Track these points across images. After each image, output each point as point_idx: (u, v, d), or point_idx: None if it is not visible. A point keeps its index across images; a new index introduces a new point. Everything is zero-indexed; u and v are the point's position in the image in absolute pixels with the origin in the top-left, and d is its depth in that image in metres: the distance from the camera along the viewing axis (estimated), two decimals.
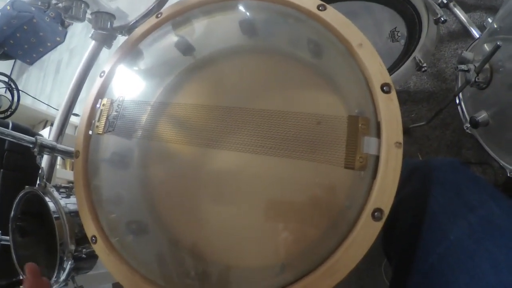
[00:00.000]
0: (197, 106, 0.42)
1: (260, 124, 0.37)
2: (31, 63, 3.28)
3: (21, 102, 1.53)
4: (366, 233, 0.29)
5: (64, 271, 0.56)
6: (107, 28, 0.57)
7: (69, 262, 0.55)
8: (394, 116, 0.31)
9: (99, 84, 0.49)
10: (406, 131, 1.03)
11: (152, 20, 0.49)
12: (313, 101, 0.37)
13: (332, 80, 0.37)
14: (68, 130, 0.82)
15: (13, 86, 1.48)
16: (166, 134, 0.43)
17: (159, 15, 0.49)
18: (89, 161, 0.46)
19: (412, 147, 1.03)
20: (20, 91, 1.50)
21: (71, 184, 0.68)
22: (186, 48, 0.47)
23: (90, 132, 0.48)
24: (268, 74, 0.41)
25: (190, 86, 0.46)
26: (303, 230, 0.34)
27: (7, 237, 0.68)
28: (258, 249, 0.36)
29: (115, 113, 0.46)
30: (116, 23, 0.60)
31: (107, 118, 0.46)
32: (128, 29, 0.60)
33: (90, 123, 0.48)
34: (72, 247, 0.55)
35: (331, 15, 0.37)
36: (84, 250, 0.57)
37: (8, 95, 1.48)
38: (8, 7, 2.66)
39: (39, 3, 0.50)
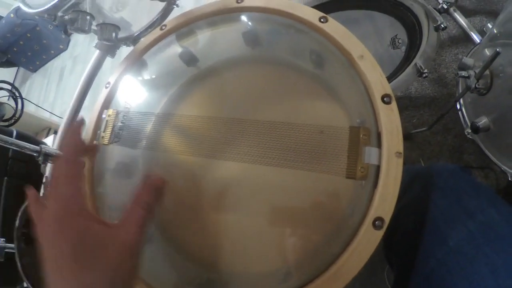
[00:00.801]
0: (201, 117, 0.43)
1: (263, 135, 0.38)
2: (34, 70, 3.29)
3: (24, 109, 1.54)
4: (367, 241, 0.29)
5: None
6: (112, 39, 0.58)
7: None
8: (395, 127, 0.32)
9: (104, 94, 0.50)
10: (408, 137, 1.04)
11: (157, 32, 0.50)
12: (315, 111, 0.38)
13: (334, 90, 0.38)
14: None
15: (17, 94, 1.49)
16: (170, 145, 0.43)
17: (163, 27, 0.49)
18: (95, 171, 0.47)
19: (414, 152, 1.04)
20: (23, 99, 1.51)
21: None
22: (190, 59, 0.48)
23: (96, 142, 0.48)
24: (271, 85, 0.42)
25: (194, 96, 0.46)
26: (305, 239, 0.34)
27: (12, 245, 0.68)
28: (261, 257, 0.36)
29: (121, 124, 0.47)
30: (121, 34, 0.61)
31: (112, 128, 0.47)
32: (132, 40, 0.61)
33: (95, 134, 0.49)
34: None
35: (333, 27, 0.38)
36: None
37: (12, 103, 1.49)
38: (12, 15, 2.68)
39: (46, 16, 0.51)
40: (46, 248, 0.28)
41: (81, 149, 0.36)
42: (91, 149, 0.41)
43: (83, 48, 2.90)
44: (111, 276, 0.27)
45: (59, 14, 0.51)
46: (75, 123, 0.36)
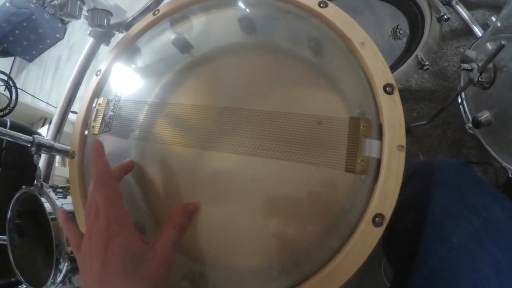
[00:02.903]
0: (195, 106, 0.41)
1: (259, 126, 0.36)
2: (30, 60, 3.28)
3: (20, 99, 1.52)
4: (366, 239, 0.28)
5: (60, 272, 0.56)
6: (103, 25, 0.56)
7: (66, 264, 0.55)
8: (397, 118, 0.30)
9: (95, 83, 0.49)
10: (407, 130, 1.03)
11: (149, 17, 0.48)
12: (313, 101, 0.37)
13: (333, 79, 0.36)
14: (67, 128, 0.82)
15: (11, 84, 1.47)
16: (163, 135, 0.42)
17: (156, 12, 0.48)
18: (85, 161, 0.46)
19: (413, 146, 1.03)
20: (18, 89, 1.49)
21: (67, 184, 0.68)
22: (184, 46, 0.46)
23: (86, 132, 0.47)
24: (268, 73, 0.40)
25: (188, 84, 0.45)
26: (302, 234, 0.33)
27: (4, 237, 0.67)
28: (256, 252, 0.36)
29: (111, 113, 0.45)
30: (113, 20, 0.59)
31: (103, 118, 0.46)
32: (125, 26, 0.60)
33: (86, 123, 0.47)
34: (69, 249, 0.55)
35: (333, 12, 0.37)
36: None
37: (7, 93, 1.47)
38: (7, 4, 2.66)
39: (34, 1, 0.49)
40: (90, 260, 0.32)
41: (117, 170, 0.41)
42: (127, 167, 0.42)
43: (79, 37, 2.88)
44: (148, 284, 0.31)
45: None
46: (95, 145, 0.38)
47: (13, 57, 3.40)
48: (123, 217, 0.34)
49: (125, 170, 0.42)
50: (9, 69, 3.37)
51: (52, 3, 0.50)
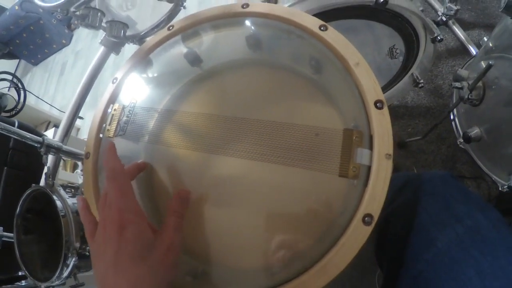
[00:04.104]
0: (202, 114, 0.44)
1: (262, 134, 0.39)
2: (35, 63, 3.30)
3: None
4: (357, 236, 0.31)
5: (67, 267, 0.57)
6: (120, 36, 0.60)
7: (73, 259, 0.57)
8: (386, 130, 0.34)
9: (111, 89, 0.52)
10: (403, 145, 1.06)
11: (164, 32, 0.52)
12: (312, 113, 0.40)
13: (330, 95, 0.40)
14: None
15: (20, 86, 1.49)
16: (172, 140, 0.45)
17: (171, 28, 0.51)
18: (99, 162, 0.49)
19: (408, 160, 1.06)
20: (26, 91, 1.52)
21: (76, 184, 0.70)
22: (194, 59, 0.49)
23: (101, 135, 0.50)
24: (271, 87, 0.44)
25: (197, 95, 0.48)
26: (298, 233, 0.36)
27: (9, 234, 0.69)
28: (255, 251, 0.38)
29: (126, 118, 0.48)
30: (128, 32, 0.63)
31: (118, 122, 0.49)
32: (139, 38, 0.63)
33: (101, 127, 0.50)
34: (77, 245, 0.57)
35: (332, 35, 0.40)
36: (88, 248, 0.59)
37: (14, 94, 1.49)
38: (17, 7, 2.68)
39: (59, 10, 0.52)
40: (104, 247, 0.34)
41: (131, 168, 0.44)
42: (141, 166, 0.45)
43: (85, 43, 2.91)
44: (157, 269, 0.33)
45: (72, 9, 0.53)
46: (107, 145, 0.41)
47: (18, 60, 3.42)
48: (135, 207, 0.36)
49: (138, 168, 0.44)
50: (14, 72, 3.38)
51: (75, 13, 0.54)
